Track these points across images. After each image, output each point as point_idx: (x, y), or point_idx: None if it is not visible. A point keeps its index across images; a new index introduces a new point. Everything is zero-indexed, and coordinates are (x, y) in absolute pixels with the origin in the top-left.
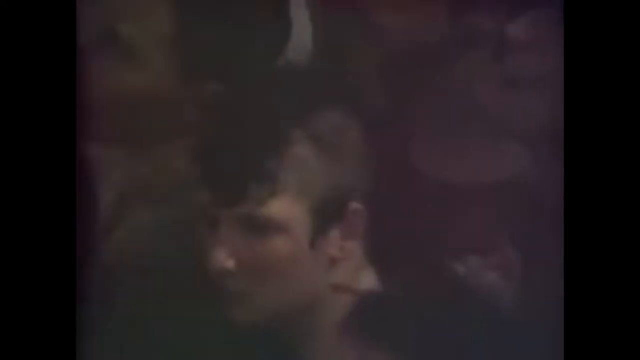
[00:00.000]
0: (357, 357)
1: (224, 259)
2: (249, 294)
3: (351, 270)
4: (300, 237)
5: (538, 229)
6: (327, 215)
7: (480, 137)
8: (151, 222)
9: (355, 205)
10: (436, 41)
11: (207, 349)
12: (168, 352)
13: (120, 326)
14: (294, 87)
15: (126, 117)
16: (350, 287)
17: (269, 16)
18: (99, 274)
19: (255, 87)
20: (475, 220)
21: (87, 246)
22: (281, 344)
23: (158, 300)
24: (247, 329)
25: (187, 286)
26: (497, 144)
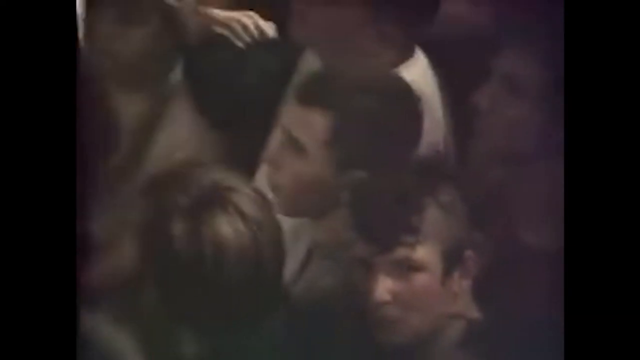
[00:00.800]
0: None
1: (380, 294)
2: (399, 320)
3: (465, 302)
4: (435, 276)
5: None
6: (450, 259)
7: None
8: (327, 269)
9: (469, 253)
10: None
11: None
12: None
13: (306, 342)
14: (424, 168)
15: (306, 196)
16: (463, 315)
17: (403, 120)
18: (289, 310)
19: (393, 171)
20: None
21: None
22: (417, 353)
23: (332, 325)
24: (393, 347)
25: (351, 315)
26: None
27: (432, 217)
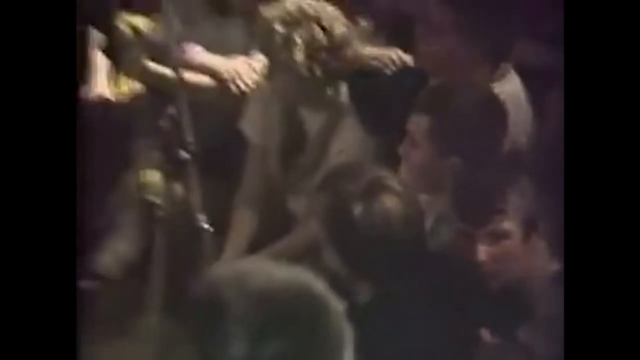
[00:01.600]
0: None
1: (480, 254)
2: (495, 273)
3: (542, 258)
4: (517, 241)
5: None
6: (528, 228)
7: None
8: (447, 234)
9: (541, 223)
10: None
11: (470, 299)
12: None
13: (437, 283)
14: (515, 159)
15: (425, 178)
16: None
17: (492, 123)
18: (427, 261)
19: (486, 159)
20: None
21: None
22: (513, 294)
23: (453, 273)
24: (493, 289)
25: (459, 269)
26: None
27: (513, 197)
